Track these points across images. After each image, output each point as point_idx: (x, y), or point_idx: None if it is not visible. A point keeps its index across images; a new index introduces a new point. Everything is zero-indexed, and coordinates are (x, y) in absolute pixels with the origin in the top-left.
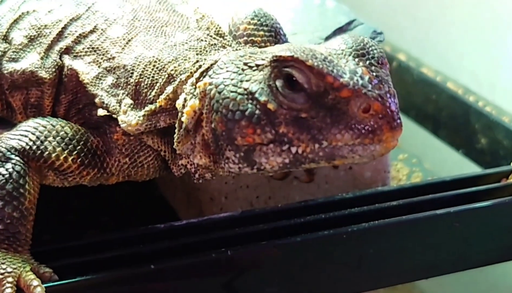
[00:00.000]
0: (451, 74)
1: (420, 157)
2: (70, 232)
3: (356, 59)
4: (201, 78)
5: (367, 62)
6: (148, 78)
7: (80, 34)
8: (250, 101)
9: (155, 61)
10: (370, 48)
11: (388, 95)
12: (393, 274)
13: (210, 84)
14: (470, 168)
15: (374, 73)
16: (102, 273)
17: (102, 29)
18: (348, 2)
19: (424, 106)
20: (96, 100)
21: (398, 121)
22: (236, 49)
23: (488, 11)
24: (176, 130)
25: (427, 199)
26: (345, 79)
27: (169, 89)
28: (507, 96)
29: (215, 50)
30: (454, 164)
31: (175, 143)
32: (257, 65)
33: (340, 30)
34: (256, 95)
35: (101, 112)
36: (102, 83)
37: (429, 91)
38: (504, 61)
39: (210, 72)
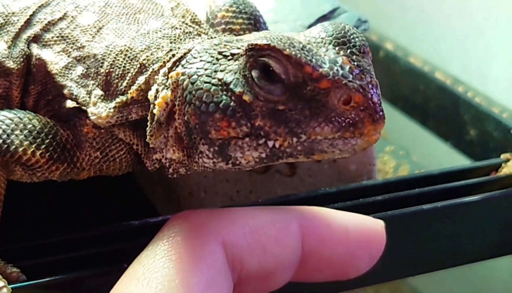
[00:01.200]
0: (440, 64)
1: (407, 149)
2: (45, 229)
3: (337, 48)
4: (173, 68)
5: (348, 51)
6: (119, 68)
7: (49, 22)
8: (224, 92)
9: (127, 50)
10: (352, 36)
11: (370, 86)
12: (378, 272)
13: (183, 74)
14: (459, 160)
15: (355, 63)
16: (72, 273)
17: (72, 16)
18: None
19: (412, 97)
20: (65, 91)
21: (381, 113)
22: (212, 38)
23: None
24: (148, 123)
25: (413, 193)
26: (324, 69)
27: (141, 79)
28: (497, 86)
29: (189, 38)
30: (442, 156)
31: (147, 137)
32: (232, 54)
33: (323, 18)
34: (231, 86)
35: (70, 104)
36: (71, 73)
37: (417, 82)
38: (494, 51)
39: (183, 62)
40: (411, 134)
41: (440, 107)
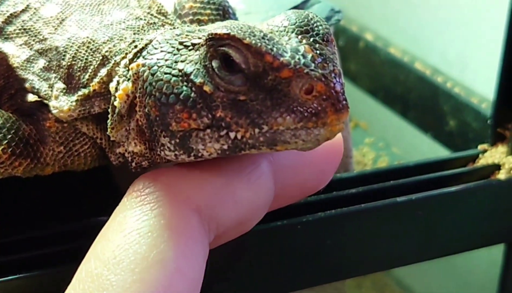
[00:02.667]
0: (420, 54)
1: (387, 140)
2: (15, 226)
3: (299, 36)
4: (134, 59)
5: (311, 39)
6: (81, 60)
7: (11, 14)
8: (185, 83)
9: (89, 42)
10: (315, 24)
11: (333, 75)
12: (352, 266)
13: (143, 65)
14: (439, 151)
15: (318, 51)
16: (40, 270)
17: (35, 8)
18: None
19: (392, 88)
20: (27, 85)
21: (344, 102)
22: (176, 28)
23: None
24: (109, 116)
25: (388, 185)
26: (285, 58)
27: (103, 72)
28: (476, 76)
29: (153, 29)
30: (423, 147)
31: (108, 130)
32: (193, 45)
33: (295, 9)
34: (192, 77)
35: (31, 97)
36: (33, 66)
37: (397, 72)
38: (473, 41)
39: (144, 53)
40: (391, 125)
41: (420, 98)
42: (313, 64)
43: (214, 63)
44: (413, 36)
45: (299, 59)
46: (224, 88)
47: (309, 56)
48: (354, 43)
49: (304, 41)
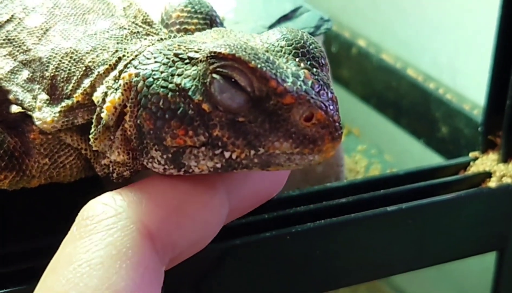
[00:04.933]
0: (412, 60)
1: (380, 147)
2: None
3: (297, 59)
4: (125, 70)
5: (308, 63)
6: (65, 71)
7: None
8: (182, 99)
9: (72, 52)
10: (311, 47)
11: (331, 102)
12: (343, 276)
13: (137, 75)
14: (431, 158)
15: (316, 77)
16: (23, 285)
17: (19, 18)
18: None
19: (385, 94)
20: (11, 96)
21: (340, 132)
22: (164, 38)
23: None
24: (92, 126)
25: (379, 194)
26: (288, 85)
27: (86, 83)
28: (468, 82)
29: (137, 38)
30: (416, 154)
31: (91, 140)
32: (190, 58)
33: (284, 18)
34: (190, 93)
35: (15, 109)
36: (17, 78)
37: (389, 78)
38: (465, 46)
39: (135, 62)
40: (384, 132)
41: (412, 104)
42: (313, 91)
43: (215, 83)
44: (404, 42)
45: (300, 85)
46: (223, 108)
47: (309, 82)
48: (347, 50)
49: (302, 65)
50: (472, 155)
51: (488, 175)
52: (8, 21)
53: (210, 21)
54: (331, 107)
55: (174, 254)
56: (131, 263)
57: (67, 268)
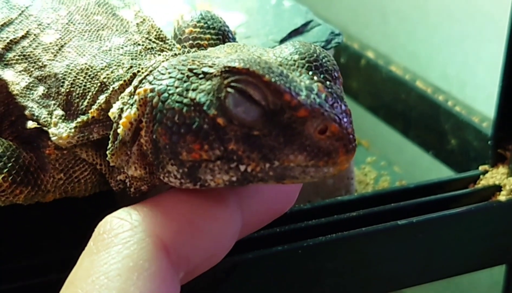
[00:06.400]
0: (420, 71)
1: (389, 159)
2: (17, 253)
3: (310, 73)
4: (140, 85)
5: (321, 76)
6: (80, 87)
7: (11, 40)
8: (197, 113)
9: (87, 69)
10: (324, 60)
11: (344, 115)
12: (354, 290)
13: (152, 91)
14: (441, 170)
15: (330, 90)
16: None
17: (35, 34)
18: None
19: (394, 106)
20: (26, 112)
21: (354, 144)
22: (178, 54)
23: (458, 8)
24: (109, 142)
25: (389, 208)
26: (302, 98)
27: (102, 98)
28: (477, 94)
29: (151, 54)
30: (425, 166)
31: (108, 156)
32: (204, 73)
33: (296, 32)
34: (204, 107)
35: (30, 124)
36: (32, 94)
37: (398, 90)
38: (474, 59)
39: (150, 78)
40: (393, 144)
41: (421, 116)
42: (327, 104)
43: (230, 97)
44: (413, 54)
45: (314, 99)
46: (238, 122)
47: (323, 95)
48: (356, 61)
49: (315, 78)
50: (481, 168)
51: (498, 188)
52: (23, 37)
53: (223, 36)
54: (345, 119)
55: (189, 267)
56: (148, 274)
57: (85, 280)
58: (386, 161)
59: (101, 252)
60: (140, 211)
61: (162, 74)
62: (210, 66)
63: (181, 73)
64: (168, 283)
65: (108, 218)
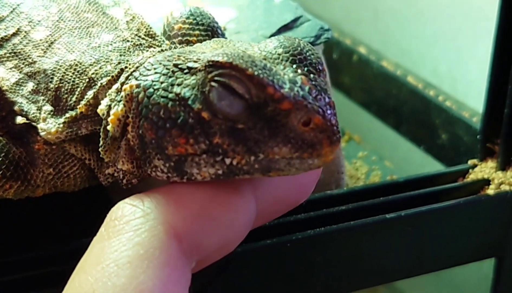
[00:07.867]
0: (412, 67)
1: (381, 154)
2: (10, 246)
3: (294, 66)
4: (126, 81)
5: (305, 69)
6: (69, 83)
7: (2, 38)
8: (182, 108)
9: (76, 65)
10: (308, 54)
11: (328, 107)
12: (343, 283)
13: (138, 86)
14: (432, 165)
15: (313, 83)
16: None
17: (25, 32)
18: None
19: (385, 101)
20: (16, 108)
21: (338, 136)
22: (165, 50)
23: (449, 5)
24: (101, 139)
25: (378, 202)
26: (285, 90)
27: (90, 94)
28: (467, 90)
29: (139, 50)
30: (416, 161)
31: (101, 153)
32: (189, 68)
33: (285, 28)
34: (189, 102)
35: (19, 120)
36: (22, 89)
37: (390, 86)
38: (465, 55)
39: (136, 74)
40: (384, 139)
41: (412, 111)
42: (310, 97)
43: (214, 91)
44: (405, 50)
45: (297, 91)
46: (223, 116)
47: (307, 88)
48: (348, 57)
49: (299, 71)
50: (471, 162)
51: (486, 182)
52: (14, 34)
53: (212, 32)
54: (329, 111)
55: (201, 255)
56: (158, 262)
57: (95, 267)
58: (378, 155)
59: (112, 238)
60: (153, 198)
61: (148, 70)
62: (195, 61)
63: (167, 69)
64: (179, 271)
65: (121, 204)
